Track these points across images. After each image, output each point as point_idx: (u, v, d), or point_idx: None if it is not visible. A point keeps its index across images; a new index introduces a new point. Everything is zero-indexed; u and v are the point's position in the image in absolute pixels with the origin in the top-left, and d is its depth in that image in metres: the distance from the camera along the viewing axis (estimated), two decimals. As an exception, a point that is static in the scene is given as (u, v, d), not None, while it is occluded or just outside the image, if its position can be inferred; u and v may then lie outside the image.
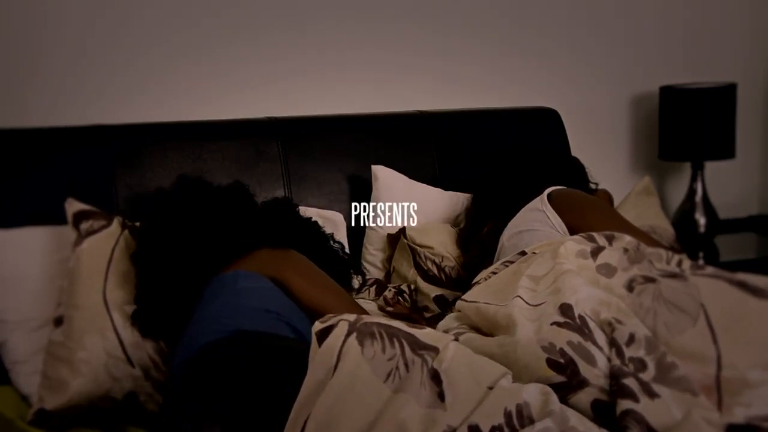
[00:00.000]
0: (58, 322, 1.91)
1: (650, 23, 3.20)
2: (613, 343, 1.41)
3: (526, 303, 1.56)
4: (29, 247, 2.05)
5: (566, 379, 1.40)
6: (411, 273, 2.30)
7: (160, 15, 2.53)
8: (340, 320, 1.42)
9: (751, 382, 1.35)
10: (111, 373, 1.86)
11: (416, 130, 2.65)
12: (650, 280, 1.52)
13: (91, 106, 2.44)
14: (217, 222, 1.94)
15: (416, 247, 2.30)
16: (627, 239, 1.69)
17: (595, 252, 1.62)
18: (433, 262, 2.28)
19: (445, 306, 2.24)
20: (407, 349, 1.37)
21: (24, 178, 2.16)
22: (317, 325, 1.43)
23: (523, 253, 1.76)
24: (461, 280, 2.23)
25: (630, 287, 1.52)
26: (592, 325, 1.45)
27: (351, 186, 2.49)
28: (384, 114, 2.66)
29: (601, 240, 1.68)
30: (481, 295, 1.68)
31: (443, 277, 2.28)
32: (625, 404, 1.32)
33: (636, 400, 1.32)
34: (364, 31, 2.77)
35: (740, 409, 1.33)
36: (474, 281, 1.83)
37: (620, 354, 1.39)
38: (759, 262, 3.21)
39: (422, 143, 2.62)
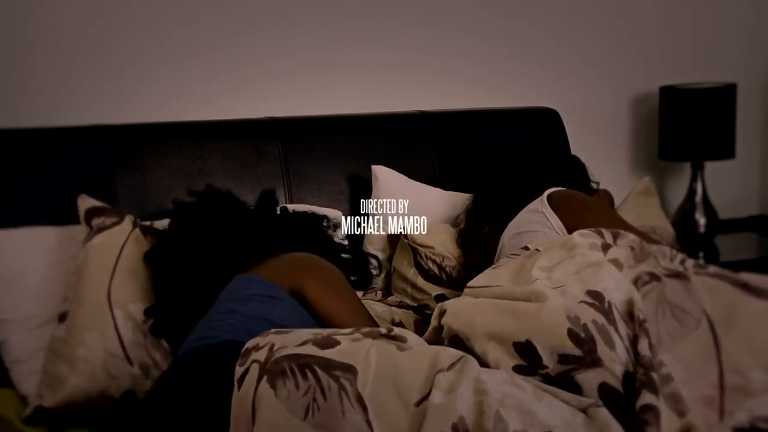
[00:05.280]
0: (62, 318, 1.91)
1: (650, 23, 3.20)
2: (646, 333, 1.40)
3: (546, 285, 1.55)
4: (29, 246, 2.05)
5: (582, 354, 1.39)
6: (411, 273, 2.30)
7: (160, 15, 2.53)
8: (252, 362, 1.38)
9: (753, 385, 1.35)
10: (109, 372, 1.86)
11: (416, 130, 2.65)
12: (655, 277, 1.52)
13: (91, 106, 2.44)
14: (238, 230, 1.95)
15: (417, 246, 2.30)
16: (631, 237, 1.69)
17: (605, 247, 1.63)
18: (434, 261, 2.28)
19: None
20: (321, 374, 1.32)
21: (24, 178, 2.16)
22: (238, 369, 1.39)
23: (526, 249, 1.76)
24: (462, 280, 2.23)
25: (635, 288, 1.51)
26: (617, 315, 1.44)
27: (351, 186, 2.49)
28: (384, 114, 2.66)
29: (608, 236, 1.68)
30: (492, 280, 1.66)
31: (444, 277, 2.28)
32: (649, 398, 1.30)
33: (659, 398, 1.31)
34: (364, 31, 2.77)
35: (743, 414, 1.33)
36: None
37: (651, 347, 1.38)
38: (759, 262, 3.20)
39: (422, 143, 2.62)
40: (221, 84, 2.60)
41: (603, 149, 3.12)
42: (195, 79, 2.57)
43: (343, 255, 2.17)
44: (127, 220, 2.00)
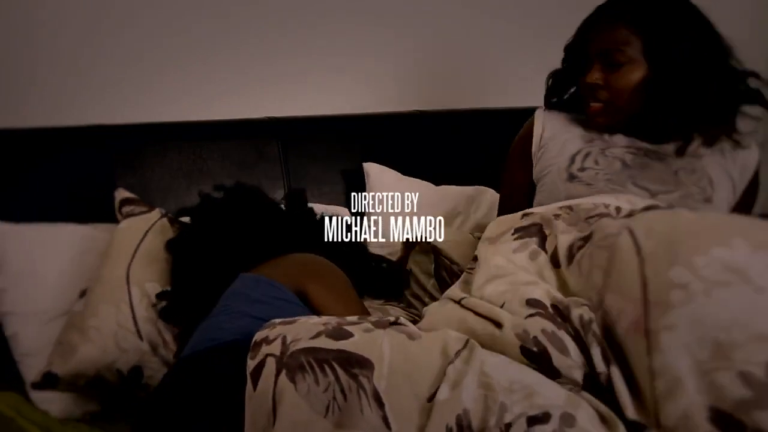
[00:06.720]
0: (82, 294, 1.98)
1: (650, 23, 3.20)
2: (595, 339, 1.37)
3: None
4: (39, 242, 2.06)
5: (539, 369, 1.37)
6: (431, 284, 2.18)
7: (161, 16, 2.53)
8: (267, 356, 1.37)
9: (672, 299, 1.29)
10: (119, 344, 1.89)
11: (416, 130, 2.65)
12: (587, 239, 1.50)
13: (91, 107, 2.44)
14: (264, 227, 1.97)
15: (444, 259, 2.14)
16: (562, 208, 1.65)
17: (534, 254, 1.58)
18: (457, 276, 2.16)
19: None
20: (340, 372, 1.32)
21: (24, 178, 2.16)
22: (250, 363, 1.38)
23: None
24: None
25: (570, 256, 1.49)
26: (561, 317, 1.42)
27: (351, 186, 2.50)
28: (384, 114, 2.66)
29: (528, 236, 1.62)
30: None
31: None
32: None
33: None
34: (363, 31, 2.77)
35: (667, 335, 1.28)
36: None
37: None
38: (759, 262, 3.20)
39: (421, 143, 2.63)
40: (222, 84, 2.60)
41: (603, 149, 3.12)
42: (195, 79, 2.58)
43: (382, 265, 2.16)
44: (156, 211, 2.08)
